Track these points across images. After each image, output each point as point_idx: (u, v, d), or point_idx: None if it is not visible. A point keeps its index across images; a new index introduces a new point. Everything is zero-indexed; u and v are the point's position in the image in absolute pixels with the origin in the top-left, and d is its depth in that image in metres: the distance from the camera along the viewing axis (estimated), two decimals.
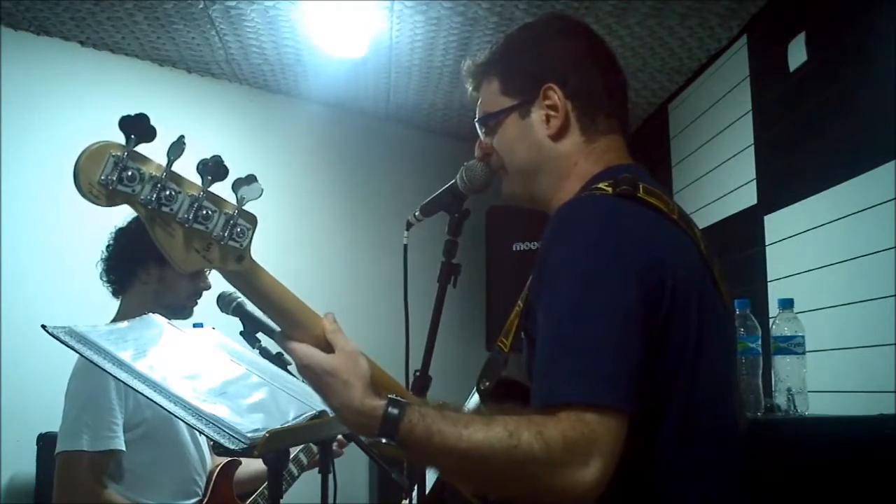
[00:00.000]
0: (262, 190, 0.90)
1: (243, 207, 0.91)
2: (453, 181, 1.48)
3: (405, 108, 3.84)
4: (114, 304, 2.04)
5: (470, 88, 1.30)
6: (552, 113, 1.16)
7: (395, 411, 0.93)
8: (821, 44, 2.39)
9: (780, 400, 1.92)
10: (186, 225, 0.87)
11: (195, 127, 3.33)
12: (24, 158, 2.88)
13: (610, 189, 1.02)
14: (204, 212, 0.87)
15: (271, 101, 3.66)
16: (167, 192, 0.85)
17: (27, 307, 2.71)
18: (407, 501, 1.40)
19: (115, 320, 1.97)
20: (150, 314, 1.62)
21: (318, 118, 3.78)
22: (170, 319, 2.01)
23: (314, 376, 0.99)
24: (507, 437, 0.87)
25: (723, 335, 1.08)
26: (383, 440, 0.93)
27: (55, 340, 1.30)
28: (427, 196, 1.53)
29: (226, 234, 0.90)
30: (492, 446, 0.87)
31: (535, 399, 0.92)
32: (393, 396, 0.95)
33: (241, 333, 1.85)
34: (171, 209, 0.85)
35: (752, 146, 2.77)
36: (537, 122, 1.17)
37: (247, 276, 0.95)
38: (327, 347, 1.01)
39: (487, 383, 1.15)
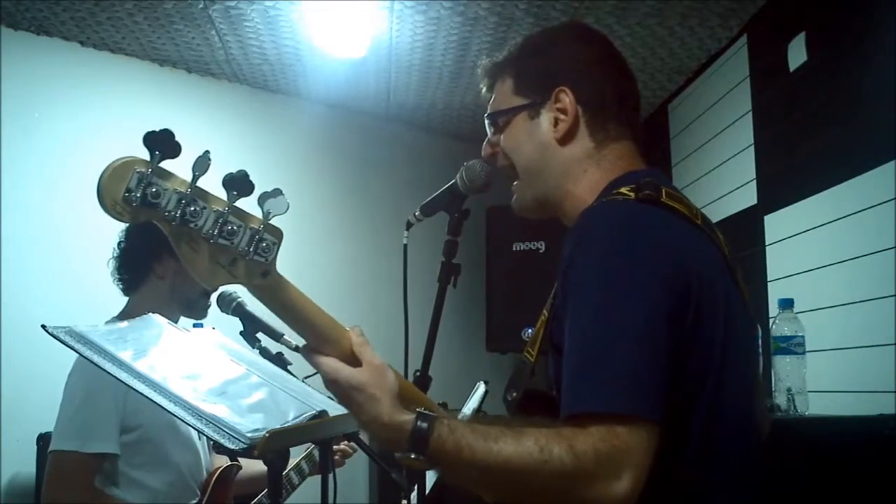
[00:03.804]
0: (289, 204, 0.90)
1: (269, 221, 0.90)
2: (453, 181, 1.48)
3: (405, 108, 3.84)
4: (114, 305, 2.04)
5: (484, 88, 1.29)
6: (561, 116, 1.15)
7: (424, 426, 0.92)
8: (821, 44, 2.39)
9: (780, 400, 1.92)
10: (211, 241, 0.86)
11: (195, 127, 3.34)
12: (24, 158, 2.88)
13: (632, 194, 1.01)
14: (229, 227, 0.87)
15: (271, 101, 3.66)
16: (192, 209, 0.84)
17: (27, 307, 2.71)
18: (407, 501, 1.40)
19: (122, 315, 1.96)
20: (151, 314, 1.62)
21: (318, 118, 3.77)
22: (184, 316, 2.01)
23: (341, 391, 0.99)
24: (538, 452, 0.86)
25: (747, 340, 1.07)
26: (412, 455, 0.92)
27: (55, 340, 1.30)
28: (427, 196, 1.53)
29: (251, 250, 0.89)
30: (523, 461, 0.87)
31: (563, 409, 0.91)
32: (421, 410, 0.94)
33: (241, 333, 1.85)
34: (196, 225, 0.85)
35: (752, 146, 2.77)
36: (545, 123, 1.16)
37: (272, 290, 0.95)
38: (354, 361, 1.00)
39: (514, 394, 1.13)
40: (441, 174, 1.59)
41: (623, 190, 1.03)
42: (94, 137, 2.97)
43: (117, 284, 2.04)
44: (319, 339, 1.00)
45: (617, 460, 0.85)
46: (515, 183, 1.23)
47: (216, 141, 3.37)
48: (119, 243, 2.04)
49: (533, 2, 2.71)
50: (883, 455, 1.63)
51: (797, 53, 2.48)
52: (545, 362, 1.11)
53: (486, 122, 1.25)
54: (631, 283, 0.93)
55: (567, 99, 1.15)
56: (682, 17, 2.76)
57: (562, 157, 1.16)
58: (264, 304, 0.97)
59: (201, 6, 2.81)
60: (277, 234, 0.92)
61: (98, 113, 3.08)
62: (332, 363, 0.99)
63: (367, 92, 3.66)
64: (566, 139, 1.15)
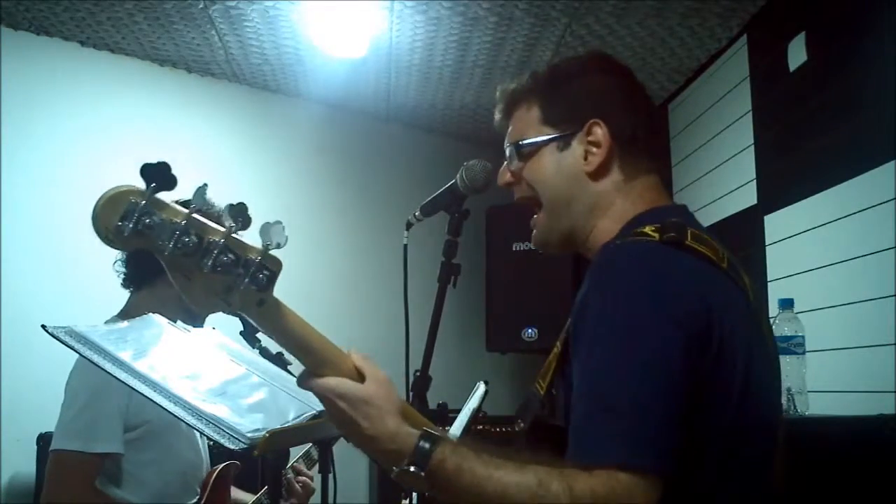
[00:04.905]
0: (287, 237, 0.89)
1: (269, 252, 0.89)
2: (453, 181, 1.48)
3: (405, 108, 3.84)
4: (114, 305, 2.03)
5: (500, 114, 1.25)
6: (593, 149, 1.12)
7: (429, 441, 0.92)
8: (821, 44, 2.39)
9: (781, 400, 1.92)
10: (205, 270, 0.86)
11: (195, 127, 3.34)
12: (23, 158, 2.88)
13: (656, 235, 0.99)
14: (225, 258, 0.86)
15: (271, 101, 3.66)
16: (186, 239, 0.83)
17: (27, 307, 2.71)
18: (407, 501, 1.40)
19: (122, 314, 1.95)
20: (151, 314, 1.61)
21: (318, 118, 3.78)
22: (185, 322, 2.00)
23: (349, 406, 0.97)
24: (535, 486, 0.86)
25: (768, 388, 1.05)
26: (412, 469, 0.91)
27: (55, 340, 1.30)
28: (427, 196, 1.53)
29: (247, 280, 0.88)
30: (520, 492, 0.87)
31: (569, 455, 0.90)
32: (427, 429, 0.95)
33: (241, 333, 1.85)
34: (191, 255, 0.84)
35: (752, 146, 2.77)
36: (576, 156, 1.14)
37: (267, 318, 0.94)
38: (357, 381, 0.99)
39: (522, 424, 1.11)
40: (441, 174, 1.59)
41: (647, 230, 1.00)
42: (94, 137, 2.97)
43: (120, 277, 2.02)
44: (318, 362, 0.99)
45: None
46: (536, 216, 1.19)
47: (216, 141, 3.40)
48: None
49: (533, 2, 2.71)
50: (883, 455, 1.63)
51: (797, 53, 2.48)
52: (555, 394, 1.10)
53: (509, 149, 1.21)
54: (646, 330, 0.91)
55: (600, 132, 1.12)
56: (682, 17, 2.76)
57: (591, 190, 1.13)
58: (261, 329, 0.96)
59: (201, 6, 2.81)
60: (276, 265, 0.90)
61: (98, 113, 3.08)
62: (336, 380, 0.98)
63: (367, 92, 3.66)
64: (598, 173, 1.13)
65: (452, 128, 4.01)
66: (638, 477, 0.85)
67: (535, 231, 1.21)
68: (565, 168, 1.14)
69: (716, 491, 0.95)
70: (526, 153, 1.18)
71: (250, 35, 3.06)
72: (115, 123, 3.03)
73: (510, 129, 1.22)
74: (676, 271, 0.97)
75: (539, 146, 1.16)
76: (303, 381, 1.00)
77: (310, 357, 0.99)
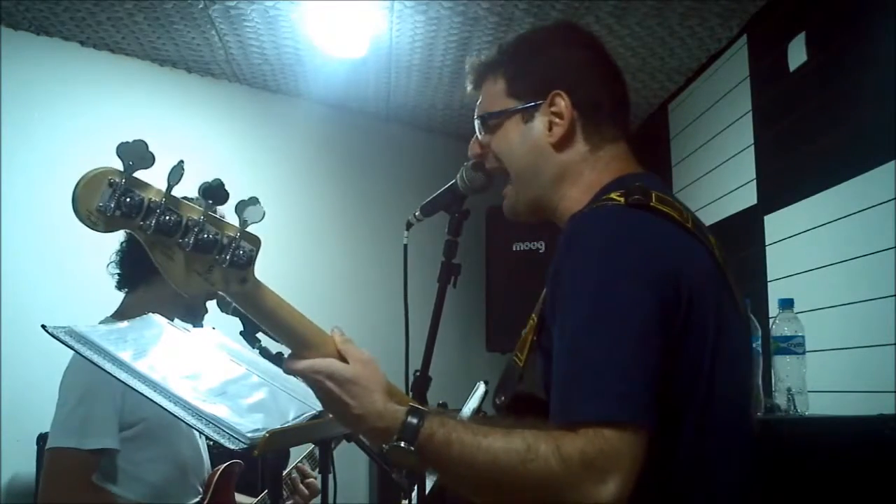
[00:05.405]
0: (265, 213, 0.89)
1: (246, 229, 0.90)
2: (453, 181, 1.48)
3: (405, 108, 3.84)
4: (114, 305, 2.03)
5: (471, 85, 1.27)
6: (556, 120, 1.13)
7: (417, 416, 0.94)
8: (821, 44, 2.39)
9: (780, 400, 1.92)
10: (187, 249, 0.86)
11: (195, 127, 3.34)
12: (23, 158, 2.88)
13: (622, 199, 1.00)
14: (205, 236, 0.87)
15: (271, 101, 3.66)
16: (166, 218, 0.84)
17: (27, 307, 2.71)
18: (407, 501, 1.40)
19: (118, 314, 1.95)
20: (151, 314, 1.61)
21: (318, 118, 3.78)
22: (183, 321, 1.99)
23: (336, 386, 0.98)
24: (524, 450, 0.87)
25: (739, 345, 1.06)
26: (402, 444, 0.92)
27: (55, 340, 1.30)
28: (427, 196, 1.53)
29: (227, 258, 0.89)
30: (509, 457, 0.87)
31: (553, 417, 0.91)
32: (413, 405, 0.96)
33: (241, 333, 1.84)
34: (171, 234, 0.85)
35: (752, 146, 2.77)
36: (540, 127, 1.15)
37: (250, 297, 0.95)
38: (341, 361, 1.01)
39: (503, 398, 1.12)
40: (441, 174, 1.59)
41: (613, 195, 1.02)
42: (94, 137, 2.97)
43: (115, 278, 2.02)
44: (302, 344, 1.00)
45: (603, 464, 0.84)
46: (508, 188, 1.21)
47: (216, 141, 3.40)
48: (128, 238, 2.00)
49: (533, 2, 2.71)
50: (883, 455, 1.63)
51: (797, 53, 2.48)
52: (534, 366, 1.10)
53: (476, 122, 1.24)
54: (618, 289, 0.92)
55: (563, 103, 1.13)
56: (682, 17, 2.76)
57: (556, 161, 1.14)
58: (244, 310, 0.97)
59: (201, 6, 2.81)
60: (255, 242, 0.91)
61: (98, 113, 3.08)
62: (323, 361, 0.99)
63: (366, 92, 3.66)
64: (562, 144, 1.14)
65: (452, 128, 4.02)
66: (625, 432, 0.86)
67: (505, 201, 1.23)
68: (530, 140, 1.16)
69: (698, 441, 0.96)
70: (492, 125, 1.20)
71: (250, 35, 3.06)
72: (115, 123, 3.03)
73: (479, 101, 1.25)
74: (644, 232, 0.98)
75: (504, 118, 1.18)
76: (289, 364, 1.01)
77: (293, 338, 1.00)
